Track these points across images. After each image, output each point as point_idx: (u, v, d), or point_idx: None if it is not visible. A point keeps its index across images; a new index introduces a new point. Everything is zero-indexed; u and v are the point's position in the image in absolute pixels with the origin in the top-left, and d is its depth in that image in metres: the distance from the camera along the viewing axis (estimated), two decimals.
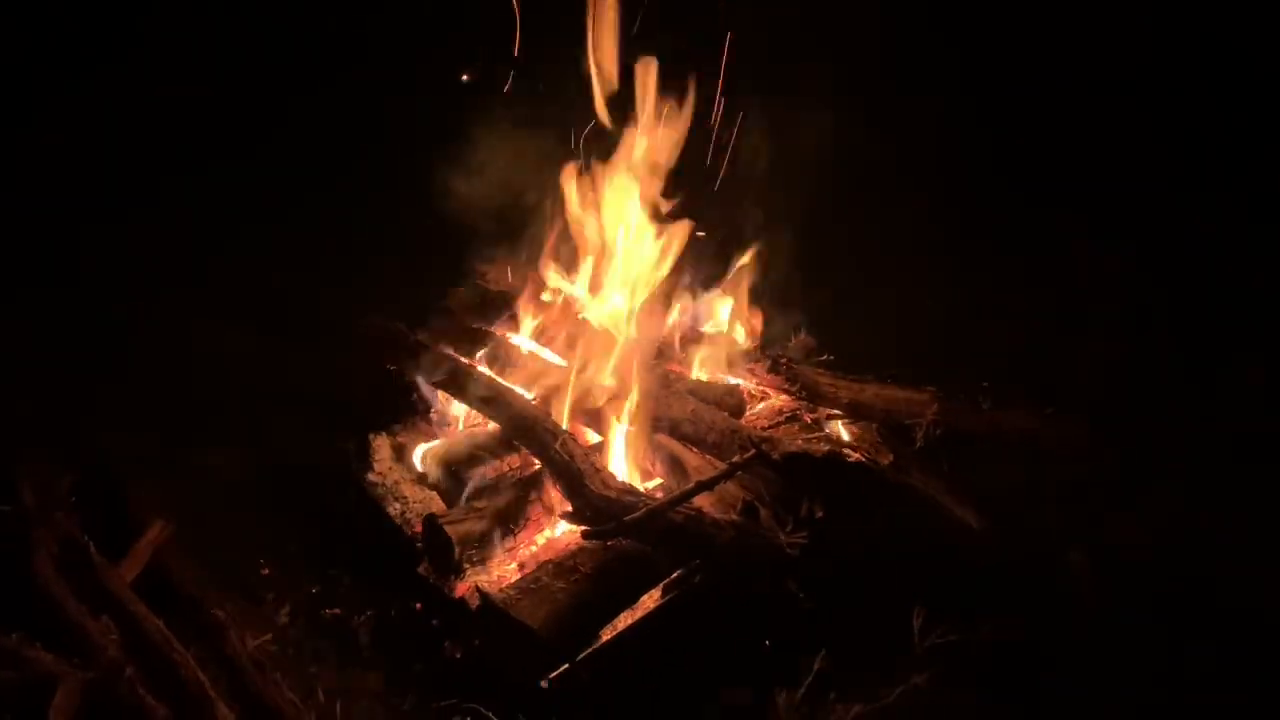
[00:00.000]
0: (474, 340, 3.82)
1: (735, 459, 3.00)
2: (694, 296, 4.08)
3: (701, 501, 2.85)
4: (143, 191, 4.91)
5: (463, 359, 3.64)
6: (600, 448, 3.32)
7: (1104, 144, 5.10)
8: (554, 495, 3.05)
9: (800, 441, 3.15)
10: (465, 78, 4.80)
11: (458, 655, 2.78)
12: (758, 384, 3.74)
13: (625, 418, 3.31)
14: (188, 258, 4.69)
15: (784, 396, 3.66)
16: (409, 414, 3.67)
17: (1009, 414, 3.26)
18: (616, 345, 3.54)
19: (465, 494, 3.12)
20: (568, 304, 3.88)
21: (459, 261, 4.31)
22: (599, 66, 3.45)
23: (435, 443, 3.48)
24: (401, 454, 3.49)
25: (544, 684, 2.56)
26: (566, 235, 3.86)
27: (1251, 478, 3.26)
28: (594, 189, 3.66)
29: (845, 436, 3.38)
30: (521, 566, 2.94)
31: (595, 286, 3.89)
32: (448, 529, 2.85)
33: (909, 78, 5.24)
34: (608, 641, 2.71)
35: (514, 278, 4.16)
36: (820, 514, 2.91)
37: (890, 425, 3.35)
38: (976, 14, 5.29)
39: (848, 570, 2.90)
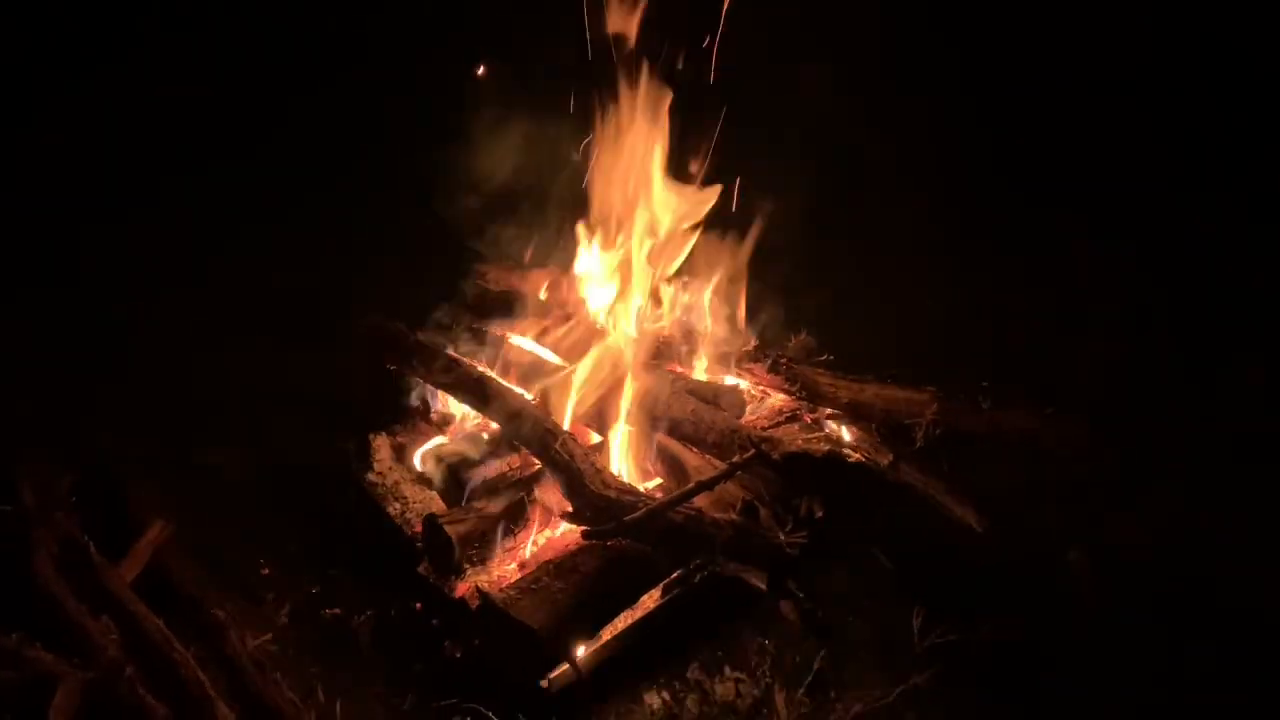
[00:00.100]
0: (474, 340, 3.82)
1: (735, 459, 3.00)
2: (694, 295, 4.07)
3: (701, 501, 2.84)
4: (143, 191, 4.91)
5: (463, 359, 3.63)
6: (600, 448, 3.32)
7: (1104, 144, 5.09)
8: (554, 495, 3.05)
9: (800, 441, 3.15)
10: (481, 71, 4.78)
11: (458, 655, 2.78)
12: (758, 384, 3.74)
13: (625, 418, 3.31)
14: (188, 258, 4.69)
15: (784, 396, 3.66)
16: (409, 414, 3.68)
17: (1009, 414, 3.25)
18: (616, 346, 3.54)
19: (465, 494, 3.13)
20: (574, 304, 3.88)
21: (459, 262, 4.32)
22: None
23: (435, 443, 3.48)
24: (401, 454, 3.49)
25: (544, 684, 2.57)
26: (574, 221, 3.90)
27: (1251, 478, 3.26)
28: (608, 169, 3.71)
29: (845, 436, 3.38)
30: (521, 566, 2.94)
31: (601, 280, 3.90)
32: (448, 529, 2.85)
33: (909, 78, 5.24)
34: (608, 641, 2.72)
35: (515, 277, 4.16)
36: (820, 514, 2.91)
37: (890, 425, 3.34)
38: (976, 14, 5.29)
39: (847, 570, 2.90)
